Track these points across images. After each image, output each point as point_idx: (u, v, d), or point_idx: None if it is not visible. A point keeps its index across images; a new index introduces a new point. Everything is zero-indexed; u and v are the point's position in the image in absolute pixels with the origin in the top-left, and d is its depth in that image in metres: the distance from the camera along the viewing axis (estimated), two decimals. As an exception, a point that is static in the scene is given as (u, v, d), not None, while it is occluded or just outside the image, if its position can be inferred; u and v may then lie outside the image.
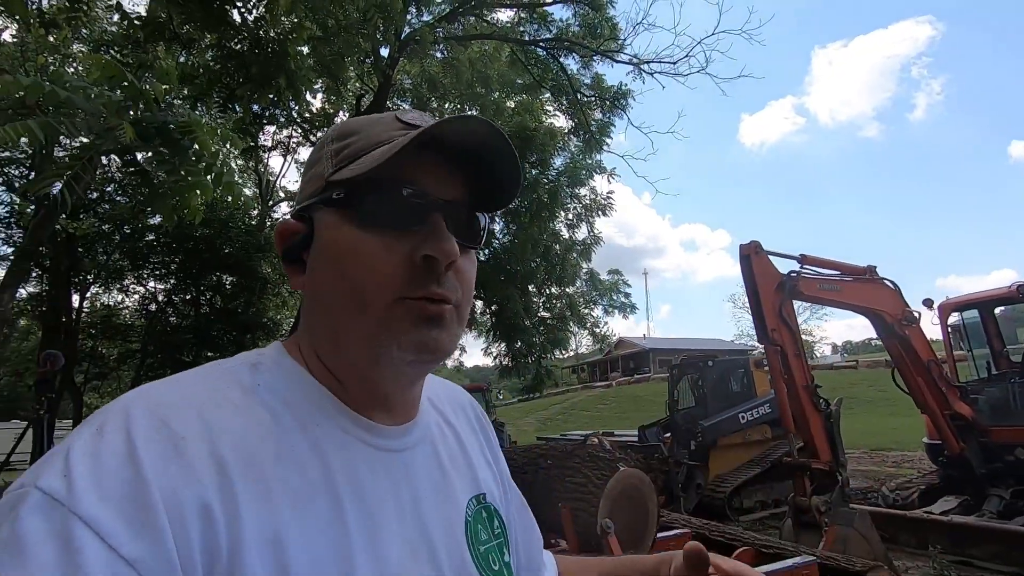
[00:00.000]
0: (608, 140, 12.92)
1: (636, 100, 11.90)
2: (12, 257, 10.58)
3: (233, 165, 2.90)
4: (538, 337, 17.95)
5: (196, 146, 2.66)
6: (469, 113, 0.88)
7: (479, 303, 20.92)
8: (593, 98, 12.20)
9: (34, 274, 16.00)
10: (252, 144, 11.35)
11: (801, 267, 5.15)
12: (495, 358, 18.30)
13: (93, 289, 18.24)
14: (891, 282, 5.59)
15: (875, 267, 5.61)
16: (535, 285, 18.51)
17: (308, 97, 13.06)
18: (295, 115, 11.19)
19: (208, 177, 2.62)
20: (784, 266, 5.14)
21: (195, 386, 0.49)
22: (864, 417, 17.73)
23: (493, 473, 0.70)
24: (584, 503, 2.68)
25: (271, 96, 5.97)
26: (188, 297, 16.99)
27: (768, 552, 2.93)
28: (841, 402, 4.98)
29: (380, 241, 0.52)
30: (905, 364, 5.53)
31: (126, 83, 2.48)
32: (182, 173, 2.61)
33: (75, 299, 17.57)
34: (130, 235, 15.06)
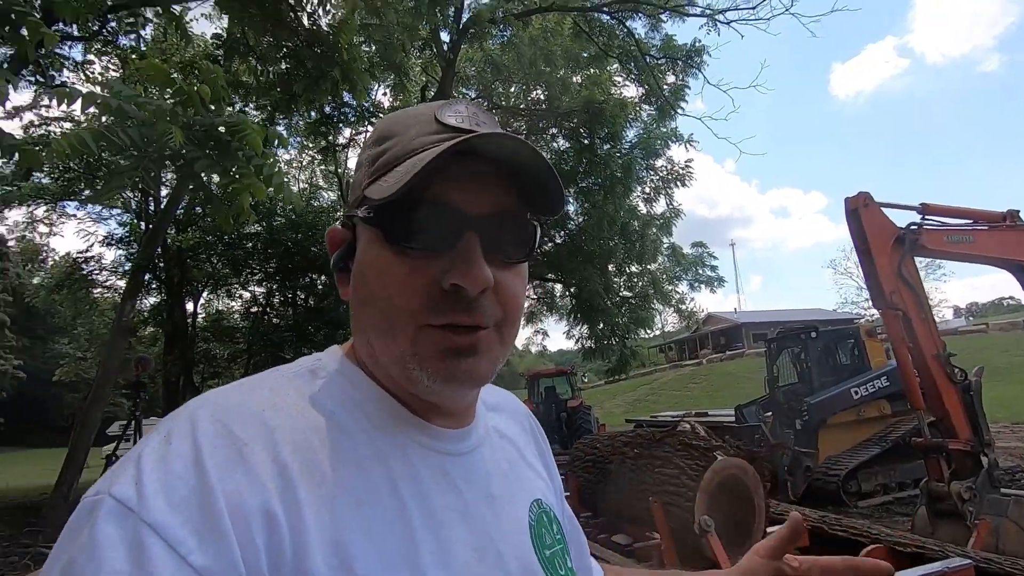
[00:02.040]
0: (683, 104, 12.08)
1: (712, 57, 10.99)
2: (129, 271, 11.68)
3: (282, 165, 2.84)
4: (620, 317, 17.42)
5: (247, 146, 2.61)
6: (507, 132, 0.54)
7: (558, 286, 20.71)
8: (664, 61, 11.42)
9: (154, 285, 17.72)
10: (326, 144, 11.73)
11: (923, 218, 4.45)
12: (576, 341, 18.00)
13: (205, 295, 19.96)
14: (1039, 227, 4.72)
15: (1017, 211, 4.76)
16: (615, 264, 17.93)
17: (374, 93, 13.34)
18: (365, 112, 11.39)
19: (259, 178, 2.57)
20: (901, 219, 4.47)
21: (256, 392, 0.49)
22: (1000, 387, 15.69)
23: (548, 481, 0.69)
24: (678, 497, 2.40)
25: (327, 90, 6.00)
26: (285, 298, 18.08)
27: (904, 551, 2.49)
28: (982, 371, 4.26)
29: (407, 264, 0.50)
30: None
31: (174, 87, 2.46)
32: (233, 174, 2.58)
33: (190, 306, 19.33)
34: (230, 244, 16.19)
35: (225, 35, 7.86)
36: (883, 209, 4.38)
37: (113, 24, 9.69)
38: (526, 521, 0.58)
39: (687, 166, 16.90)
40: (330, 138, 11.93)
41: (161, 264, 17.17)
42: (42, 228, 17.79)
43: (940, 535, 3.92)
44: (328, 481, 0.46)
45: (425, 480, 0.51)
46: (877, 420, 7.35)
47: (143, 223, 15.36)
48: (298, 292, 18.02)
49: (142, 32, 10.10)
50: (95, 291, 16.96)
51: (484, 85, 15.10)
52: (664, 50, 11.35)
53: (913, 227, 4.32)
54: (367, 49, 8.95)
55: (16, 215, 16.67)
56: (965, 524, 3.80)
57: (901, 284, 4.19)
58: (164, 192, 12.81)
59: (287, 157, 20.35)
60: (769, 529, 2.57)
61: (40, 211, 16.34)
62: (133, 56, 10.59)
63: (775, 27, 12.39)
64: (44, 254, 20.52)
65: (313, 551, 0.42)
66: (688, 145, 15.78)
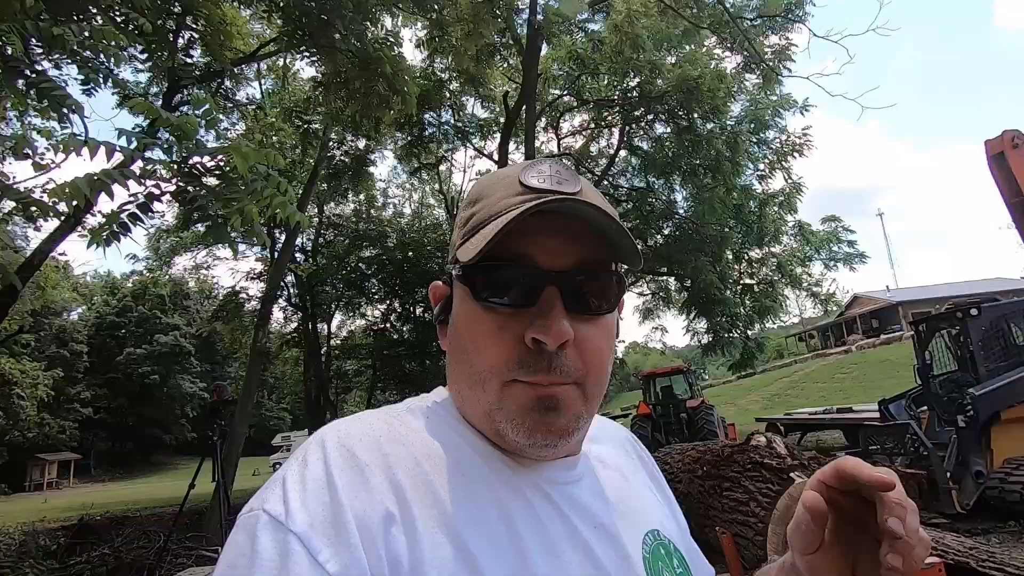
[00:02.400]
0: (790, 63, 10.79)
1: (816, 4, 9.69)
2: (261, 300, 13.07)
3: (287, 185, 2.86)
4: (742, 308, 16.01)
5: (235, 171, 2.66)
6: (577, 197, 0.52)
7: (672, 280, 19.59)
8: (760, 22, 10.30)
9: (291, 311, 19.66)
10: (419, 164, 12.17)
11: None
12: (693, 336, 16.85)
13: (339, 318, 21.81)
14: None
15: None
16: (732, 250, 16.56)
17: (468, 106, 13.59)
18: (457, 129, 11.67)
19: (255, 202, 2.60)
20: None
21: (374, 423, 0.53)
22: None
23: (664, 507, 0.68)
24: (747, 528, 1.98)
25: (378, 104, 6.12)
26: (403, 313, 19.12)
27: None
28: None
29: (495, 321, 0.52)
30: None
31: (159, 119, 2.57)
32: (229, 199, 2.64)
33: (324, 328, 21.21)
34: (349, 267, 17.50)
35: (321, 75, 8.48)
36: (1040, 148, 3.44)
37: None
38: (639, 553, 0.57)
39: (804, 134, 15.16)
40: (423, 159, 12.36)
41: (295, 291, 19.09)
42: (203, 269, 20.56)
43: None
44: (441, 502, 0.49)
45: (535, 507, 0.53)
46: (1073, 413, 5.87)
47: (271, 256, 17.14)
48: (415, 307, 18.96)
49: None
50: (245, 320, 19.26)
51: (571, 82, 14.76)
52: (759, 9, 10.21)
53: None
54: (440, 63, 9.15)
55: (183, 260, 19.43)
56: None
57: (1077, 241, 3.24)
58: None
59: (400, 180, 21.63)
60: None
61: (201, 255, 18.94)
62: (254, 109, 11.88)
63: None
64: (216, 290, 23.60)
65: (428, 565, 0.45)
66: (803, 111, 14.18)
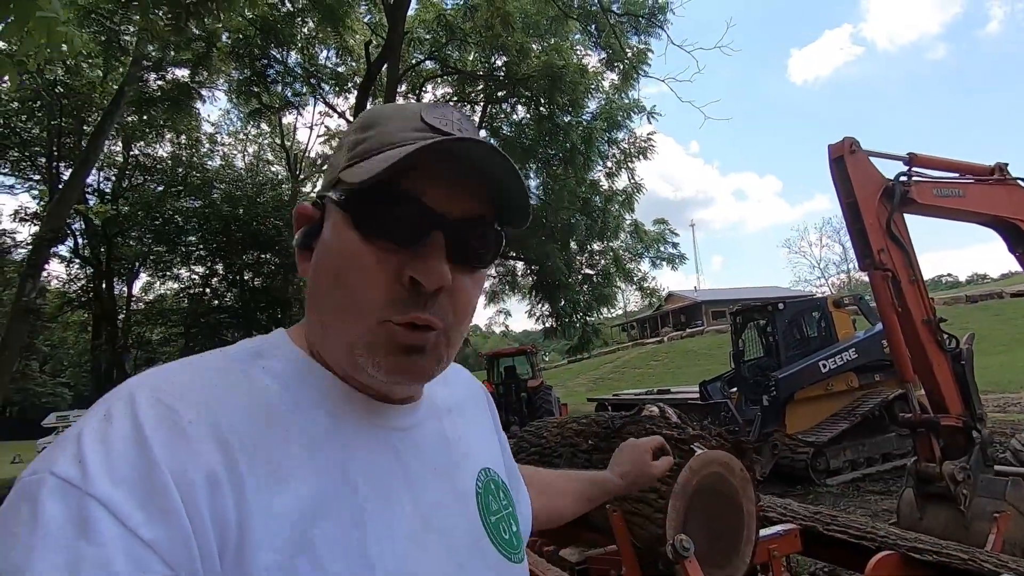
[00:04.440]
0: (646, 67, 11.47)
1: (676, 14, 10.40)
2: (31, 246, 10.42)
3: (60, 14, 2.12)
4: (582, 295, 16.98)
5: None
6: (486, 140, 0.50)
7: (519, 264, 20.11)
8: (626, 20, 10.75)
9: (76, 265, 16.23)
10: (260, 105, 10.63)
11: (910, 169, 3.97)
12: (538, 319, 17.51)
13: (145, 278, 18.51)
14: (1028, 183, 4.32)
15: (1006, 164, 4.34)
16: (576, 241, 17.43)
17: (316, 50, 12.22)
18: (299, 71, 10.34)
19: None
20: (887, 171, 3.98)
21: (198, 371, 0.49)
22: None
23: (496, 447, 0.71)
24: (643, 504, 1.80)
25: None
26: (229, 278, 16.86)
27: (927, 559, 1.98)
28: (974, 339, 3.85)
29: (374, 254, 0.50)
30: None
31: None
32: None
33: (124, 288, 17.87)
34: (161, 219, 14.87)
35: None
36: (869, 158, 3.87)
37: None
38: (473, 490, 0.60)
39: (649, 139, 16.46)
40: (263, 99, 10.81)
41: (84, 241, 15.76)
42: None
43: (930, 520, 3.52)
44: (271, 457, 0.45)
45: (374, 455, 0.52)
46: (845, 394, 7.05)
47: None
48: (241, 271, 16.83)
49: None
50: (9, 271, 15.41)
51: (437, 48, 14.14)
52: (626, 6, 10.65)
53: (902, 178, 3.83)
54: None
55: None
56: (959, 508, 3.39)
57: (889, 242, 3.71)
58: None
59: (234, 128, 18.95)
60: (763, 532, 2.02)
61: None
62: None
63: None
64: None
65: (256, 522, 0.42)
66: (651, 117, 15.34)
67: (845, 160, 3.75)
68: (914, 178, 3.91)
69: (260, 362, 0.52)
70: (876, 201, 3.75)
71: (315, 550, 0.44)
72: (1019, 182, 4.33)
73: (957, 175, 4.22)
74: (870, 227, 3.66)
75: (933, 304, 3.81)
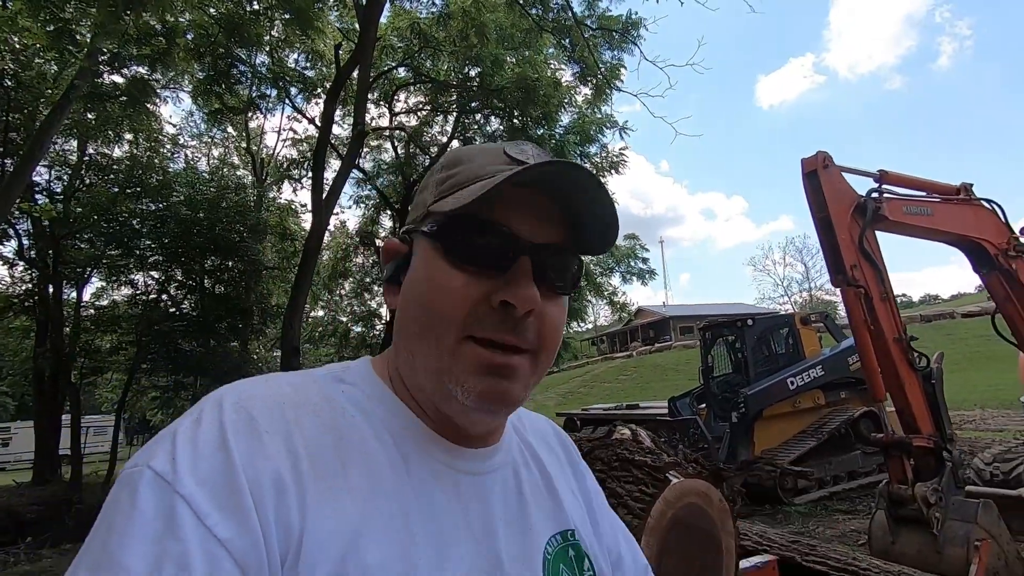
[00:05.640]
0: (619, 81, 11.53)
1: (649, 31, 10.48)
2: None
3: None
4: (553, 308, 16.87)
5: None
6: (575, 162, 0.52)
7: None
8: (599, 33, 10.79)
9: (20, 268, 15.34)
10: (220, 106, 10.25)
11: (880, 186, 3.95)
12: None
13: (97, 283, 17.60)
14: (991, 203, 4.36)
15: (971, 185, 4.38)
16: (547, 254, 17.38)
17: (284, 53, 11.91)
18: (265, 72, 10.00)
19: None
20: (858, 188, 3.95)
21: (281, 387, 0.51)
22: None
23: (581, 509, 0.64)
24: (614, 540, 1.60)
25: None
26: (188, 284, 16.16)
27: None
28: (943, 358, 3.82)
29: (463, 277, 0.51)
30: (1012, 305, 4.31)
31: None
32: None
33: (74, 293, 16.94)
34: (113, 220, 14.17)
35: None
36: (842, 173, 3.84)
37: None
38: (542, 553, 0.56)
39: (621, 154, 16.57)
40: (227, 100, 10.42)
41: (31, 243, 14.90)
42: None
43: (902, 544, 3.43)
44: (333, 476, 0.46)
45: (435, 494, 0.51)
46: (812, 411, 7.06)
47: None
48: (200, 278, 16.15)
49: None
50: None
51: (410, 56, 13.96)
52: (600, 21, 10.69)
53: (874, 195, 3.80)
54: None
55: None
56: (931, 532, 3.31)
57: (861, 258, 3.66)
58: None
59: (196, 131, 18.32)
60: (743, 564, 1.86)
61: None
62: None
63: (713, 3, 12.03)
64: None
65: (312, 536, 0.43)
66: (623, 132, 15.44)
67: (818, 174, 3.70)
68: (885, 195, 3.88)
69: (341, 386, 0.54)
70: (848, 217, 3.70)
71: (364, 569, 0.44)
72: (983, 203, 4.37)
73: (924, 194, 4.24)
74: (843, 243, 3.60)
75: (903, 322, 3.77)
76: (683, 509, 1.61)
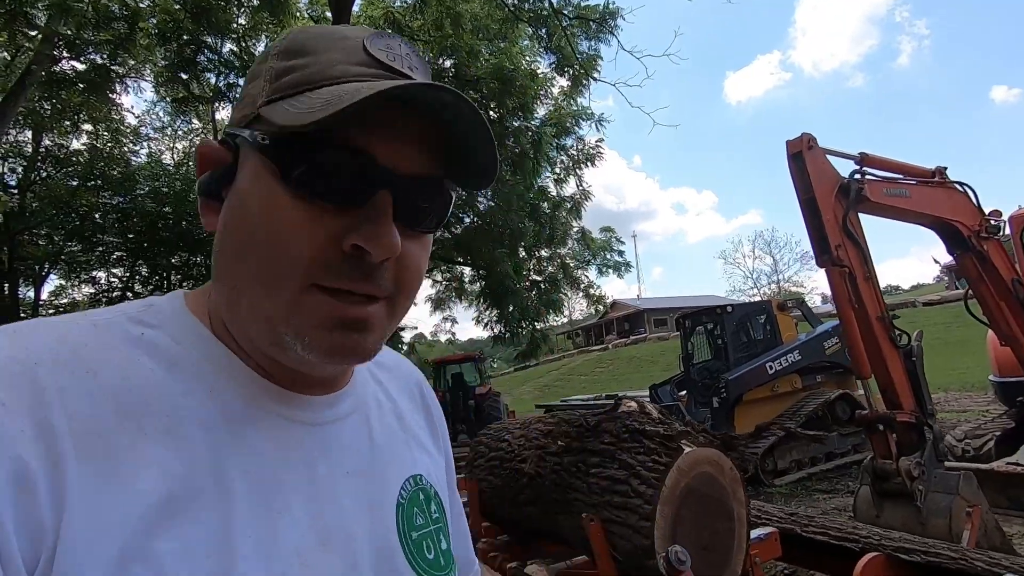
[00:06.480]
0: (596, 73, 11.54)
1: (626, 20, 10.51)
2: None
3: None
4: (530, 302, 16.87)
5: None
6: (448, 86, 0.41)
7: (467, 270, 19.82)
8: (576, 23, 10.77)
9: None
10: (186, 95, 9.90)
11: (861, 168, 4.01)
12: (486, 326, 17.25)
13: (56, 281, 16.95)
14: (964, 185, 4.48)
15: (945, 168, 4.49)
16: (525, 247, 17.35)
17: (254, 42, 11.57)
18: (234, 60, 9.69)
19: None
20: (840, 170, 4.00)
21: (38, 340, 0.40)
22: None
23: (435, 458, 0.61)
24: (626, 512, 1.58)
25: None
26: (153, 281, 15.67)
27: (913, 559, 1.86)
28: (922, 336, 3.91)
29: (307, 212, 0.42)
30: (984, 286, 4.45)
31: None
32: None
33: (32, 291, 16.25)
34: (73, 214, 13.62)
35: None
36: (826, 155, 3.88)
37: None
38: (395, 500, 0.52)
39: (597, 146, 16.63)
40: (192, 88, 10.07)
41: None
42: None
43: (887, 517, 3.50)
44: (119, 454, 0.37)
45: (265, 454, 0.44)
46: (790, 395, 7.20)
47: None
48: (170, 273, 15.69)
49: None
50: None
51: (384, 45, 13.67)
52: (578, 10, 10.68)
53: (856, 176, 3.86)
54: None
55: None
56: (915, 504, 3.38)
57: (845, 238, 3.71)
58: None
59: (161, 124, 17.69)
60: (754, 533, 1.85)
61: None
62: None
63: None
64: None
65: (78, 532, 0.35)
66: (599, 124, 15.49)
67: (803, 155, 3.73)
68: (867, 176, 3.95)
69: (139, 330, 0.43)
70: (832, 197, 3.74)
71: (158, 566, 0.36)
72: (956, 185, 4.48)
73: (902, 177, 4.32)
74: (827, 223, 3.64)
75: (884, 301, 3.84)
76: (696, 478, 1.58)
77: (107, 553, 0.35)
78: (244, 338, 0.45)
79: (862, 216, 4.01)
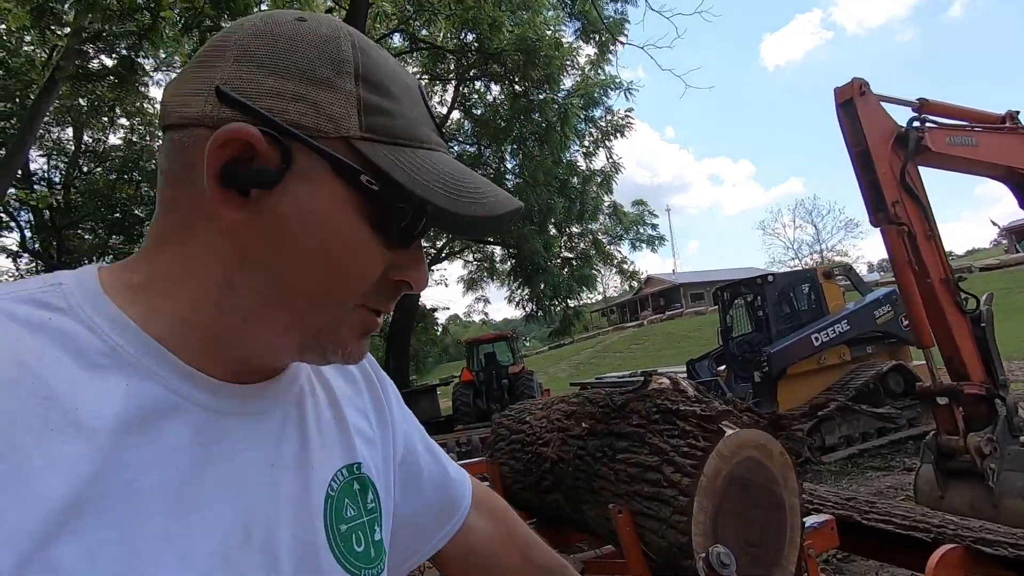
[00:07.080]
0: (623, 37, 11.03)
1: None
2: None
3: None
4: (562, 279, 16.60)
5: None
6: (513, 204, 0.44)
7: (497, 249, 19.65)
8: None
9: (24, 261, 15.31)
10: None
11: (920, 115, 3.62)
12: (517, 304, 17.11)
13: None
14: (1040, 132, 4.01)
15: (1017, 112, 4.02)
16: (555, 223, 17.02)
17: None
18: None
19: None
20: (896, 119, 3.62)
21: None
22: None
23: (376, 443, 0.58)
24: (659, 504, 1.38)
25: None
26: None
27: (998, 552, 1.61)
28: (992, 299, 3.53)
29: (379, 246, 0.44)
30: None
31: None
32: None
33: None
34: (114, 208, 14.03)
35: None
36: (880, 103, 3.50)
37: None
38: (323, 492, 0.50)
39: (627, 116, 16.07)
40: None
41: (32, 235, 14.83)
42: None
43: (953, 498, 3.20)
44: (20, 456, 0.34)
45: (185, 449, 0.42)
46: (838, 367, 6.80)
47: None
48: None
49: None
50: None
51: (404, 22, 13.47)
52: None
53: (916, 125, 3.47)
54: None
55: None
56: (985, 484, 3.07)
57: (904, 194, 3.35)
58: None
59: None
60: (808, 522, 1.64)
61: None
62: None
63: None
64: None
65: None
66: (628, 93, 14.93)
67: (855, 103, 3.37)
68: (927, 124, 3.55)
69: (45, 315, 0.40)
70: (888, 149, 3.38)
71: (58, 574, 0.34)
72: (1030, 131, 4.01)
73: (967, 124, 3.89)
74: (883, 177, 3.29)
75: (949, 262, 3.47)
76: (740, 465, 1.37)
77: (3, 563, 0.32)
78: (241, 338, 0.44)
79: (922, 170, 3.65)
